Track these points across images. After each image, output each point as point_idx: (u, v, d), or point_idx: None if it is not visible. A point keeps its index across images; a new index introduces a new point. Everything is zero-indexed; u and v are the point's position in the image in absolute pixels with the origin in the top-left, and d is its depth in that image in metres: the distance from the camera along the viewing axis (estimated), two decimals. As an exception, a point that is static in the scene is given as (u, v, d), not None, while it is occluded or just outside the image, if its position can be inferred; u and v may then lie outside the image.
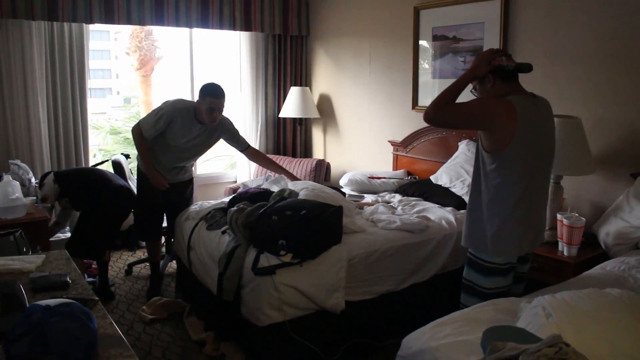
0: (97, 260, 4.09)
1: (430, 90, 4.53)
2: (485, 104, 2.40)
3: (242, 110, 5.81)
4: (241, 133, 5.83)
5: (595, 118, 3.38)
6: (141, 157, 3.91)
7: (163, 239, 4.89)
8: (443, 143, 4.42)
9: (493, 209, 2.44)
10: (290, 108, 5.57)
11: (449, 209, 3.81)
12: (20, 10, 4.29)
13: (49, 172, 3.92)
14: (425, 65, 4.57)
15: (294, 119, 5.86)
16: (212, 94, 3.71)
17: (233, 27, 5.36)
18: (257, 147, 5.82)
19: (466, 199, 3.77)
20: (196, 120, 3.81)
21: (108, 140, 8.51)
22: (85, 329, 1.47)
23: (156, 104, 4.94)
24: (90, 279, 4.23)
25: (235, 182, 5.82)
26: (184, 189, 4.20)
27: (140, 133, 3.82)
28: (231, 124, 4.09)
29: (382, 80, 5.00)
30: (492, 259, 2.47)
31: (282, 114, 5.71)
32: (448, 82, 4.31)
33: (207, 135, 3.94)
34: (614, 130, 3.33)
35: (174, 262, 4.42)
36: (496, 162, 2.40)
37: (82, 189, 3.85)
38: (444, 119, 2.48)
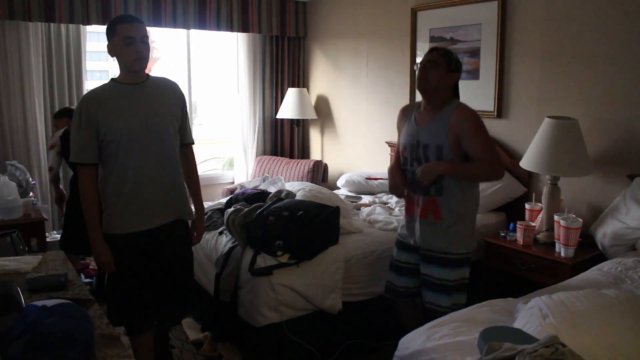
0: (86, 255, 4.08)
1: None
2: (481, 121, 2.61)
3: (240, 111, 5.81)
4: (239, 134, 5.92)
5: (592, 119, 3.38)
6: (89, 214, 2.46)
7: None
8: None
9: (468, 210, 2.71)
10: (288, 109, 5.57)
11: (446, 210, 3.81)
12: (17, 11, 4.28)
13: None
14: (422, 66, 4.57)
15: (292, 120, 5.86)
16: (121, 19, 2.44)
17: (230, 28, 5.36)
18: (254, 149, 5.83)
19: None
20: (121, 85, 2.46)
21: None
22: (81, 330, 1.47)
23: None
24: (87, 280, 4.22)
25: (233, 183, 5.81)
26: (182, 239, 2.69)
27: (86, 174, 2.45)
28: (183, 95, 2.69)
29: (379, 82, 5.01)
30: (459, 251, 2.69)
31: (279, 115, 5.71)
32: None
33: (148, 98, 2.49)
34: (611, 132, 3.33)
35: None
36: None
37: None
38: (498, 157, 2.62)
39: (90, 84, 5.13)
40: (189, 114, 2.77)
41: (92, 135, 2.39)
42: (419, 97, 4.63)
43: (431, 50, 2.66)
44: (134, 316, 2.56)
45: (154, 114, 2.46)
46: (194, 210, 2.76)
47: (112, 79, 2.51)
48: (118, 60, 2.45)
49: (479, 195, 2.75)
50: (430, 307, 2.69)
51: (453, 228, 2.64)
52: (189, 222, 2.73)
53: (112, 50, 2.44)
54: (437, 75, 2.58)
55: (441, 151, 2.58)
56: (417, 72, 2.65)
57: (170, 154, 2.53)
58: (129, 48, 2.38)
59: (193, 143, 2.78)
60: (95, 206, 2.45)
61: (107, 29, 2.43)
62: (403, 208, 3.89)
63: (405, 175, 2.76)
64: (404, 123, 2.80)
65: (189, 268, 2.76)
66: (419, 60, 4.58)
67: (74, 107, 4.25)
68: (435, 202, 2.64)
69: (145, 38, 2.42)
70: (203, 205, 2.84)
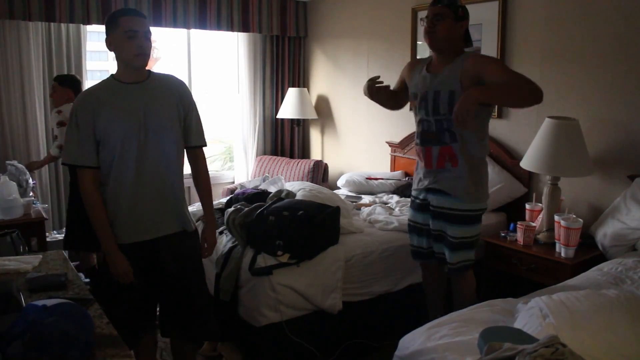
0: (98, 251, 4.06)
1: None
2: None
3: (240, 111, 5.80)
4: (239, 134, 5.92)
5: (593, 120, 3.38)
6: (98, 222, 2.30)
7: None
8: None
9: (479, 160, 2.77)
10: (288, 109, 5.57)
11: (447, 210, 3.81)
12: (17, 11, 4.28)
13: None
14: (423, 66, 4.57)
15: (292, 120, 5.86)
16: (125, 12, 2.29)
17: (231, 28, 5.36)
18: (254, 148, 5.83)
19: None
20: (122, 83, 2.31)
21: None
22: (82, 329, 1.47)
23: None
24: (87, 280, 4.22)
25: (233, 182, 5.81)
26: (185, 251, 2.48)
27: (88, 178, 2.29)
28: (189, 93, 2.50)
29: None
30: (478, 207, 2.80)
31: (279, 115, 5.70)
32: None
33: (148, 97, 2.32)
34: (612, 132, 3.33)
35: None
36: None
37: None
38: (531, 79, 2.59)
39: (90, 83, 5.12)
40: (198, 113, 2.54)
41: (89, 136, 2.24)
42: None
43: (434, 3, 2.62)
44: (126, 328, 2.13)
45: (153, 115, 2.29)
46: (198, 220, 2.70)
47: (111, 76, 2.35)
48: (117, 56, 2.30)
49: (486, 149, 2.81)
50: (442, 258, 2.86)
51: (467, 181, 2.69)
52: (198, 232, 2.56)
53: (111, 44, 2.28)
54: (446, 27, 2.56)
55: (453, 97, 2.57)
56: (424, 26, 2.63)
57: (170, 159, 2.36)
58: (131, 42, 2.22)
59: (204, 145, 2.55)
60: (103, 212, 2.28)
61: (108, 21, 2.28)
62: (403, 208, 3.90)
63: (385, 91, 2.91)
64: (413, 74, 2.82)
65: (198, 282, 2.52)
66: (422, 15, 4.58)
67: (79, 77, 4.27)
68: (451, 150, 2.68)
69: (148, 34, 2.27)
70: (214, 215, 2.63)
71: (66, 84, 4.03)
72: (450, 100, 2.58)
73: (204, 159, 2.59)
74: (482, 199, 2.77)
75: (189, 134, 2.47)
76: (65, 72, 4.71)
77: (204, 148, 2.59)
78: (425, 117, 2.71)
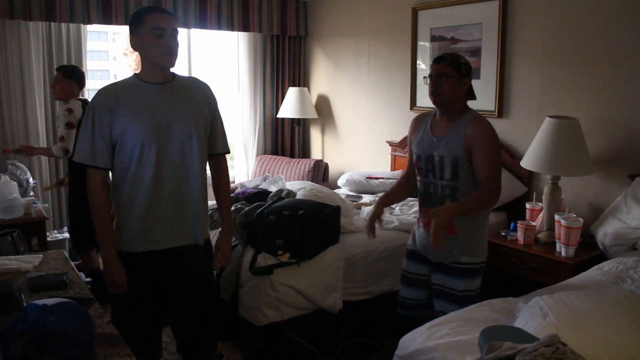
0: (91, 249, 4.07)
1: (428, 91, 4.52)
2: (496, 138, 2.57)
3: (240, 110, 5.81)
4: (239, 133, 5.92)
5: (593, 119, 3.38)
6: (101, 225, 2.19)
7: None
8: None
9: (482, 218, 2.62)
10: (289, 108, 5.57)
11: (447, 209, 3.81)
12: (17, 10, 4.28)
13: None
14: (423, 66, 4.57)
15: (292, 120, 5.86)
16: (152, 9, 2.16)
17: (231, 27, 5.36)
18: (254, 148, 5.83)
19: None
20: (144, 83, 2.18)
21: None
22: (82, 329, 1.47)
23: None
24: (87, 279, 4.22)
25: (233, 182, 5.81)
26: (196, 266, 2.34)
27: (97, 179, 2.17)
28: (214, 97, 2.38)
29: (380, 81, 5.00)
30: (479, 260, 2.60)
31: (280, 115, 5.70)
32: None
33: (172, 100, 2.19)
34: (612, 131, 3.33)
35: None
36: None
37: None
38: (499, 184, 2.56)
39: (91, 83, 5.12)
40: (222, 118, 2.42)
41: (105, 136, 2.10)
42: (419, 96, 4.63)
43: (437, 61, 2.55)
44: (135, 341, 1.99)
45: (176, 119, 2.15)
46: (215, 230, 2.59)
47: (134, 75, 2.21)
48: (142, 55, 2.16)
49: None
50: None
51: (469, 238, 2.55)
52: (211, 243, 2.45)
53: (136, 43, 2.13)
54: (450, 87, 2.49)
55: (457, 163, 2.50)
56: (428, 86, 2.56)
57: (192, 166, 2.22)
58: (159, 41, 2.08)
59: (227, 152, 2.45)
60: (107, 216, 2.17)
61: (133, 19, 2.13)
62: (403, 207, 3.90)
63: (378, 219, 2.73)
64: (417, 133, 2.70)
65: (206, 295, 2.40)
66: (419, 62, 4.58)
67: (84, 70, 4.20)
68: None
69: (175, 32, 2.13)
70: (231, 223, 2.51)
71: (72, 76, 3.91)
72: (454, 166, 2.51)
73: (227, 166, 2.49)
74: (481, 254, 2.62)
75: (215, 141, 2.36)
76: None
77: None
78: (433, 180, 2.60)
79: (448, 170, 2.53)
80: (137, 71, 2.21)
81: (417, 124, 2.75)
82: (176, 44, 2.15)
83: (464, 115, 2.54)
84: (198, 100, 2.25)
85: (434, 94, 2.54)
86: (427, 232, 2.60)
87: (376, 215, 2.71)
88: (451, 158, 2.51)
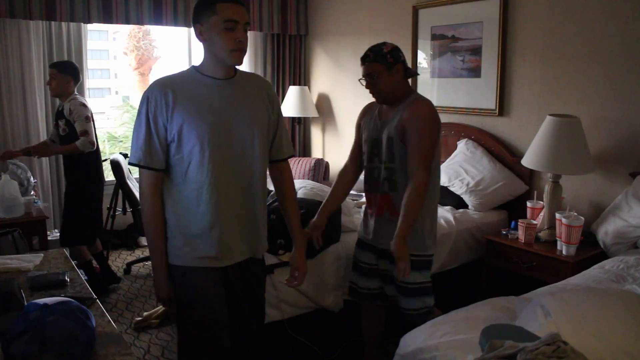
0: (90, 245, 4.09)
1: (429, 89, 4.52)
2: (432, 119, 2.49)
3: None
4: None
5: (594, 117, 3.38)
6: (152, 232, 1.99)
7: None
8: (442, 142, 4.40)
9: (426, 208, 2.54)
10: (289, 107, 5.57)
11: (448, 207, 3.81)
12: (18, 9, 4.28)
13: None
14: (424, 64, 4.57)
15: (293, 118, 5.86)
16: None
17: (232, 26, 5.35)
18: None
19: (465, 197, 3.79)
20: (205, 77, 1.96)
21: (106, 146, 8.53)
22: (83, 328, 1.47)
23: None
24: (87, 278, 4.23)
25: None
26: (253, 281, 2.16)
27: (151, 181, 1.96)
28: (277, 96, 2.20)
29: (380, 80, 4.99)
30: (430, 252, 2.63)
31: (280, 113, 5.69)
32: (447, 81, 4.35)
33: (235, 99, 1.98)
34: (613, 130, 3.33)
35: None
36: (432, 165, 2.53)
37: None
38: (426, 174, 2.47)
39: (91, 82, 5.12)
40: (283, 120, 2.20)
41: (160, 133, 1.90)
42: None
43: (363, 61, 2.53)
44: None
45: (239, 118, 1.95)
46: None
47: (193, 67, 2.00)
48: (208, 48, 1.93)
49: (436, 188, 2.67)
50: (393, 301, 2.69)
51: (414, 233, 2.50)
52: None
53: (202, 34, 1.91)
54: (384, 82, 2.49)
55: (391, 144, 2.51)
56: (365, 86, 2.56)
57: (255, 170, 2.01)
58: (229, 35, 1.85)
59: (291, 156, 2.24)
60: (161, 223, 1.96)
61: (203, 6, 1.89)
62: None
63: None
64: (365, 119, 2.73)
65: (261, 318, 2.23)
66: (420, 61, 4.57)
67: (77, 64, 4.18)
68: (390, 199, 2.58)
69: (247, 26, 1.90)
70: (303, 236, 2.28)
71: (67, 71, 3.91)
72: (389, 147, 2.52)
73: (291, 172, 2.26)
74: (430, 246, 2.60)
75: (279, 143, 2.15)
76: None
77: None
78: (377, 165, 2.59)
79: (385, 152, 2.55)
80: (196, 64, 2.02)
81: (366, 111, 2.77)
82: (247, 40, 1.92)
83: (407, 98, 2.55)
84: (261, 98, 2.04)
85: (374, 95, 2.57)
86: (369, 214, 2.70)
87: (318, 228, 2.70)
88: (387, 139, 2.53)
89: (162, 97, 1.88)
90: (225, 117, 1.93)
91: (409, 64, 4.64)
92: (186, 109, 1.89)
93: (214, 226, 1.95)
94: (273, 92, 2.12)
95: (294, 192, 2.22)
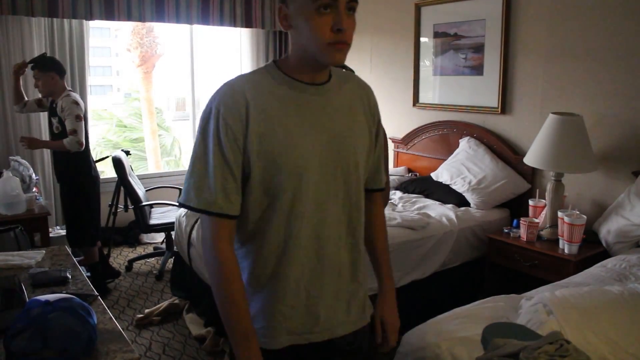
0: (93, 245, 4.09)
1: (431, 87, 4.52)
2: None
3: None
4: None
5: (597, 116, 3.37)
6: (232, 307, 1.34)
7: (163, 236, 4.91)
8: (444, 140, 4.41)
9: None
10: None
11: (450, 206, 3.80)
12: (20, 6, 4.28)
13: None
14: (426, 62, 4.56)
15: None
16: None
17: (234, 23, 5.35)
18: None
19: (467, 196, 3.79)
20: (293, 81, 1.37)
21: (113, 132, 8.52)
22: (84, 324, 1.47)
23: (158, 100, 4.79)
24: (88, 274, 4.23)
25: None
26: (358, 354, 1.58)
27: (225, 233, 1.35)
28: (377, 106, 1.56)
29: (383, 77, 4.99)
30: None
31: (282, 111, 5.69)
32: (449, 79, 4.35)
33: (334, 110, 1.41)
34: (616, 128, 3.32)
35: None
36: None
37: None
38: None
39: (93, 79, 5.11)
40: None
41: (236, 164, 1.30)
42: (421, 93, 4.61)
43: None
44: None
45: (338, 138, 1.39)
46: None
47: (273, 64, 1.40)
48: (294, 39, 1.36)
49: None
50: None
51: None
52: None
53: (287, 18, 1.33)
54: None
55: None
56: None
57: (359, 206, 1.46)
58: (324, 19, 1.26)
59: (386, 186, 1.72)
60: (241, 288, 1.34)
61: None
62: (406, 204, 3.89)
63: None
64: None
65: None
66: (422, 59, 4.55)
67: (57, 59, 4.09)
68: None
69: (353, 7, 1.31)
70: (394, 283, 1.73)
71: (48, 68, 3.78)
72: None
73: (382, 206, 1.70)
74: None
75: (377, 168, 1.59)
76: (68, 68, 4.65)
77: None
78: None
79: None
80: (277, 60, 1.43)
81: None
82: (352, 28, 1.34)
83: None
84: (363, 110, 1.48)
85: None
86: None
87: None
88: None
89: (236, 110, 1.29)
90: (323, 138, 1.36)
91: (412, 62, 4.64)
92: (268, 126, 1.31)
93: (300, 288, 1.41)
94: (374, 99, 1.53)
95: (385, 228, 1.70)
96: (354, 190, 1.44)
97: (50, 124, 3.90)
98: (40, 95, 3.97)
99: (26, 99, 4.01)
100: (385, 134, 1.70)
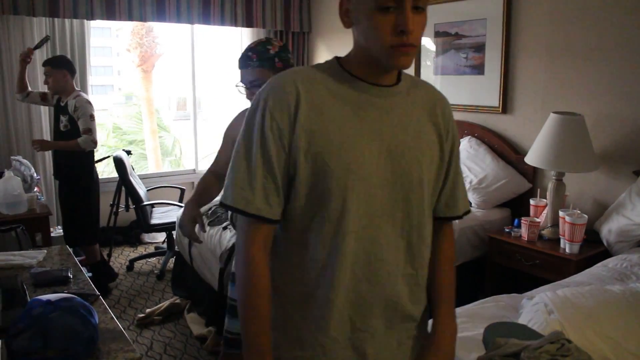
0: (90, 244, 4.09)
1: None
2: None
3: (243, 106, 5.79)
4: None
5: (598, 115, 3.37)
6: (252, 319, 1.21)
7: (165, 235, 4.92)
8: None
9: None
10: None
11: (451, 205, 3.80)
12: (21, 6, 4.28)
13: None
14: (427, 61, 4.56)
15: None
16: None
17: (234, 23, 5.35)
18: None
19: (468, 195, 3.78)
20: (356, 80, 1.21)
21: (110, 137, 8.53)
22: (86, 324, 1.47)
23: (157, 100, 4.77)
24: (89, 274, 4.23)
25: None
26: None
27: (259, 238, 1.21)
28: (452, 117, 1.35)
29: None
30: None
31: (283, 111, 5.69)
32: (450, 79, 4.34)
33: (403, 114, 1.24)
34: (617, 128, 3.32)
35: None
36: None
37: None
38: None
39: (94, 79, 5.11)
40: None
41: (280, 165, 1.18)
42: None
43: (243, 64, 2.06)
44: None
45: (402, 149, 1.22)
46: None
47: (336, 61, 1.26)
48: (356, 36, 1.22)
49: None
50: None
51: None
52: None
53: (348, 14, 1.21)
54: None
55: None
56: (246, 96, 2.13)
57: (423, 229, 1.27)
58: (386, 19, 1.11)
59: (468, 212, 1.40)
60: (266, 303, 1.21)
61: None
62: None
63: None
64: None
65: None
66: (423, 58, 4.55)
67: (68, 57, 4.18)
68: None
69: (421, 4, 1.12)
70: (455, 326, 1.37)
71: (61, 65, 3.87)
72: None
73: (453, 237, 1.45)
74: None
75: (453, 193, 1.36)
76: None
77: None
78: None
79: None
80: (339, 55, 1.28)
81: (242, 119, 2.12)
82: (420, 29, 1.15)
83: None
84: (433, 122, 1.29)
85: None
86: None
87: (193, 220, 2.12)
88: None
89: (286, 102, 1.17)
90: (381, 145, 1.20)
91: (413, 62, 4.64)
92: (322, 126, 1.17)
93: (346, 319, 1.23)
94: (450, 111, 1.34)
95: (453, 262, 1.42)
96: (415, 212, 1.24)
97: (58, 122, 3.93)
98: (46, 90, 4.01)
99: (29, 89, 4.04)
100: None
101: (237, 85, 2.11)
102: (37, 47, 3.96)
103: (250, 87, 2.06)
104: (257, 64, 2.01)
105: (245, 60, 2.03)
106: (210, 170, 2.34)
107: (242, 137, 1.22)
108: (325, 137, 1.16)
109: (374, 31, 1.13)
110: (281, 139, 1.16)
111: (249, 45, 2.07)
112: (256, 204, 1.18)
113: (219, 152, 2.33)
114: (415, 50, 1.16)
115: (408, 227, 1.24)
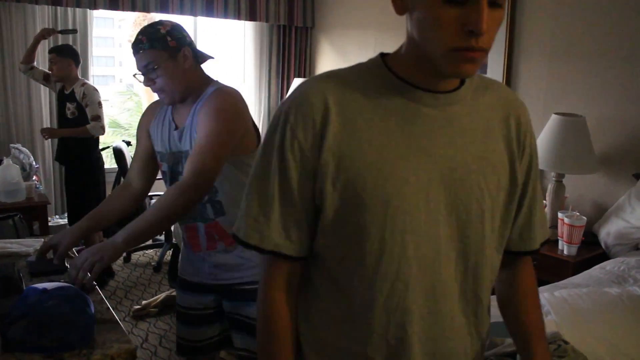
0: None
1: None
2: (226, 111, 1.92)
3: (245, 100, 5.79)
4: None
5: (599, 117, 3.36)
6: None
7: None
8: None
9: None
10: (293, 99, 5.55)
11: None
12: (24, -7, 4.28)
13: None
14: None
15: (297, 111, 5.84)
16: None
17: (238, 16, 5.34)
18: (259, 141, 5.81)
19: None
20: (407, 86, 0.97)
21: (109, 133, 8.53)
22: (81, 314, 1.46)
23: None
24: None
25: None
26: None
27: (280, 276, 1.04)
28: (532, 129, 1.16)
29: (386, 74, 4.98)
30: None
31: (284, 106, 5.68)
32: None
33: (467, 125, 1.00)
34: (619, 130, 3.31)
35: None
36: None
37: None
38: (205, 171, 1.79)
39: (96, 69, 5.10)
40: None
41: (301, 186, 0.98)
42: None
43: (136, 50, 1.83)
44: None
45: (464, 174, 0.99)
46: None
47: (380, 59, 1.05)
48: (409, 28, 1.02)
49: None
50: (245, 355, 1.94)
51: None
52: None
53: (404, 6, 1.04)
54: (169, 75, 1.83)
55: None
56: (143, 83, 1.88)
57: (479, 276, 1.05)
58: (451, 13, 0.88)
59: (547, 242, 1.19)
60: (288, 343, 1.04)
61: None
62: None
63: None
64: (155, 126, 1.98)
65: None
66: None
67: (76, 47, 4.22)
68: (218, 226, 1.90)
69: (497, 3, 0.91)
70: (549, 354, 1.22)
71: (66, 54, 3.95)
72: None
73: (534, 275, 1.23)
74: None
75: (528, 221, 1.13)
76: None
77: None
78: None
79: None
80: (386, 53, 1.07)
81: (153, 114, 2.01)
82: (494, 29, 0.92)
83: (204, 91, 1.90)
84: (505, 135, 1.07)
85: (159, 95, 1.90)
86: (193, 251, 1.99)
87: (63, 253, 1.85)
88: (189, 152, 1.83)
89: (311, 117, 0.96)
90: (434, 166, 0.97)
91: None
92: (349, 148, 0.96)
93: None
94: (527, 121, 1.13)
95: (537, 295, 1.23)
96: (472, 250, 1.01)
97: (63, 109, 3.97)
98: (51, 72, 4.05)
99: (34, 64, 4.08)
100: None
101: (134, 75, 1.91)
102: (62, 32, 4.05)
103: (145, 72, 1.84)
104: (147, 45, 1.79)
105: (137, 45, 1.82)
106: (129, 179, 2.07)
107: (259, 156, 1.02)
108: (359, 160, 0.94)
109: (434, 26, 0.89)
110: (303, 161, 0.96)
111: (139, 30, 1.86)
112: (273, 239, 0.99)
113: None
114: (485, 56, 0.92)
115: (462, 269, 1.01)
